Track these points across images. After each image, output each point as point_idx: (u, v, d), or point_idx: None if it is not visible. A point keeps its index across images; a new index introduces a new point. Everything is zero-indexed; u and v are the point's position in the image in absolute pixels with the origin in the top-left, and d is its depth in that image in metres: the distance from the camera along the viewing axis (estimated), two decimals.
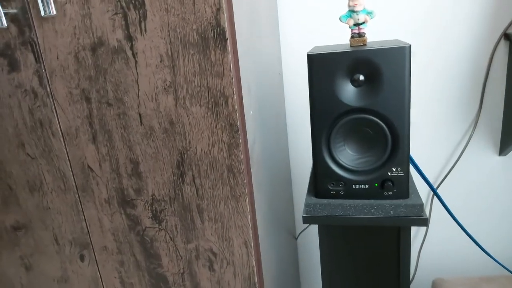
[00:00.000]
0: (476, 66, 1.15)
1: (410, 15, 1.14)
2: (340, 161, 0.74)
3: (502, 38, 1.12)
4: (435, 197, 1.28)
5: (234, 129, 0.72)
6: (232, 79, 0.69)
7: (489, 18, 1.11)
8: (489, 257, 1.23)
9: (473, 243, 1.17)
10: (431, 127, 1.23)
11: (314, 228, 1.41)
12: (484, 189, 1.26)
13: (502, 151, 1.20)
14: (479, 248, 1.15)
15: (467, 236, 1.23)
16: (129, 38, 0.71)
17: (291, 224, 1.32)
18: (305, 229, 1.42)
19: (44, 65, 0.77)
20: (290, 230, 1.27)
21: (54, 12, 0.72)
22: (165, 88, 0.72)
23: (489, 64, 1.14)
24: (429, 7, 1.12)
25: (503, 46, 1.13)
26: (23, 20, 0.75)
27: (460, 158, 1.23)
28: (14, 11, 0.75)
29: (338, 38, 1.19)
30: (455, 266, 1.35)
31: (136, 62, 0.72)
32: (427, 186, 1.16)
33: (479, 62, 1.15)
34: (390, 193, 0.73)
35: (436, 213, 1.30)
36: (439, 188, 1.27)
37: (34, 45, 0.76)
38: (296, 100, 1.28)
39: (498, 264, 1.26)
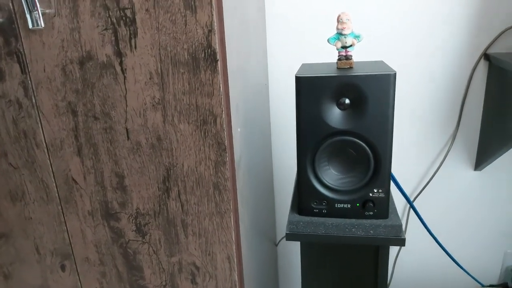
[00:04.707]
0: (455, 85, 1.19)
1: (393, 35, 1.16)
2: (324, 181, 0.76)
3: (482, 58, 1.16)
4: (411, 209, 1.31)
5: (222, 147, 0.73)
6: (221, 99, 0.70)
7: (470, 38, 1.14)
8: (462, 270, 1.28)
9: (447, 255, 1.21)
10: (411, 142, 1.26)
11: None
12: (459, 202, 1.30)
13: (478, 166, 1.25)
14: (452, 261, 1.19)
15: (441, 250, 1.27)
16: (119, 54, 0.71)
17: (272, 231, 1.34)
18: (284, 236, 1.44)
19: (30, 76, 0.76)
20: (271, 238, 1.28)
21: (43, 25, 0.71)
22: (153, 105, 0.73)
23: (469, 82, 1.18)
24: (411, 26, 1.15)
25: (483, 66, 1.16)
26: (9, 30, 0.74)
27: (437, 172, 1.27)
28: (0, 20, 0.74)
29: (324, 52, 1.21)
30: (429, 277, 1.40)
31: (125, 78, 0.72)
32: (404, 198, 1.20)
33: (459, 80, 1.18)
34: (371, 213, 0.76)
35: (412, 225, 1.34)
36: (415, 201, 1.31)
37: (20, 55, 0.75)
38: (280, 112, 1.29)
39: (471, 277, 1.31)
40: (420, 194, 1.30)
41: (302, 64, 0.89)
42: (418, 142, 1.26)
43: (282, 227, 1.45)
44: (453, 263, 1.29)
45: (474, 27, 1.13)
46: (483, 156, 1.21)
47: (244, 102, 0.85)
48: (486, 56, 1.16)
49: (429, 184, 1.29)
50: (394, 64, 1.19)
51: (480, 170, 1.26)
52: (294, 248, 1.46)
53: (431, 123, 1.23)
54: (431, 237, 1.34)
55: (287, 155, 1.34)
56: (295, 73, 1.25)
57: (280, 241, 1.46)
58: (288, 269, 1.50)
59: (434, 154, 1.26)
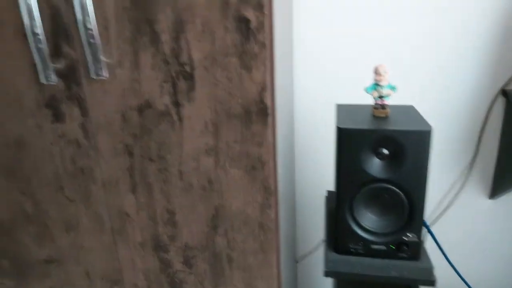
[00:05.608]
0: (474, 119, 1.25)
1: (412, 67, 1.22)
2: (361, 223, 0.82)
3: (500, 94, 1.22)
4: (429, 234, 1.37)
5: (268, 191, 0.79)
6: (270, 148, 0.76)
7: (488, 74, 1.20)
8: None
9: (461, 280, 1.27)
10: (429, 170, 1.32)
11: (315, 254, 1.50)
12: (474, 229, 1.36)
13: (493, 195, 1.31)
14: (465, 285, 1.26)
15: (455, 274, 1.33)
16: (176, 104, 0.77)
17: (294, 250, 1.40)
18: (307, 255, 1.50)
19: (90, 120, 0.82)
20: (294, 257, 1.35)
21: (107, 76, 0.77)
22: (206, 151, 0.79)
23: (486, 117, 1.24)
24: (429, 59, 1.20)
25: (500, 102, 1.22)
26: (71, 76, 0.79)
27: (455, 200, 1.33)
28: (63, 67, 0.79)
29: (345, 90, 1.26)
30: None
31: (181, 126, 0.78)
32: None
33: (477, 115, 1.24)
34: (404, 255, 0.82)
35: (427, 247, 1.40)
36: (432, 226, 1.37)
37: (80, 100, 0.81)
38: (305, 146, 1.35)
39: None
40: (437, 220, 1.36)
41: (338, 105, 0.94)
42: (437, 171, 1.32)
43: (302, 244, 1.51)
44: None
45: (492, 64, 1.19)
46: (499, 186, 1.28)
47: (286, 147, 0.91)
48: (503, 92, 1.21)
49: (446, 211, 1.35)
50: (414, 95, 1.25)
51: (495, 199, 1.32)
52: (313, 264, 1.52)
53: (450, 153, 1.29)
54: (445, 261, 1.40)
55: (307, 172, 1.40)
56: (319, 109, 1.30)
57: (301, 260, 1.52)
58: (307, 284, 1.56)
59: (451, 183, 1.33)
